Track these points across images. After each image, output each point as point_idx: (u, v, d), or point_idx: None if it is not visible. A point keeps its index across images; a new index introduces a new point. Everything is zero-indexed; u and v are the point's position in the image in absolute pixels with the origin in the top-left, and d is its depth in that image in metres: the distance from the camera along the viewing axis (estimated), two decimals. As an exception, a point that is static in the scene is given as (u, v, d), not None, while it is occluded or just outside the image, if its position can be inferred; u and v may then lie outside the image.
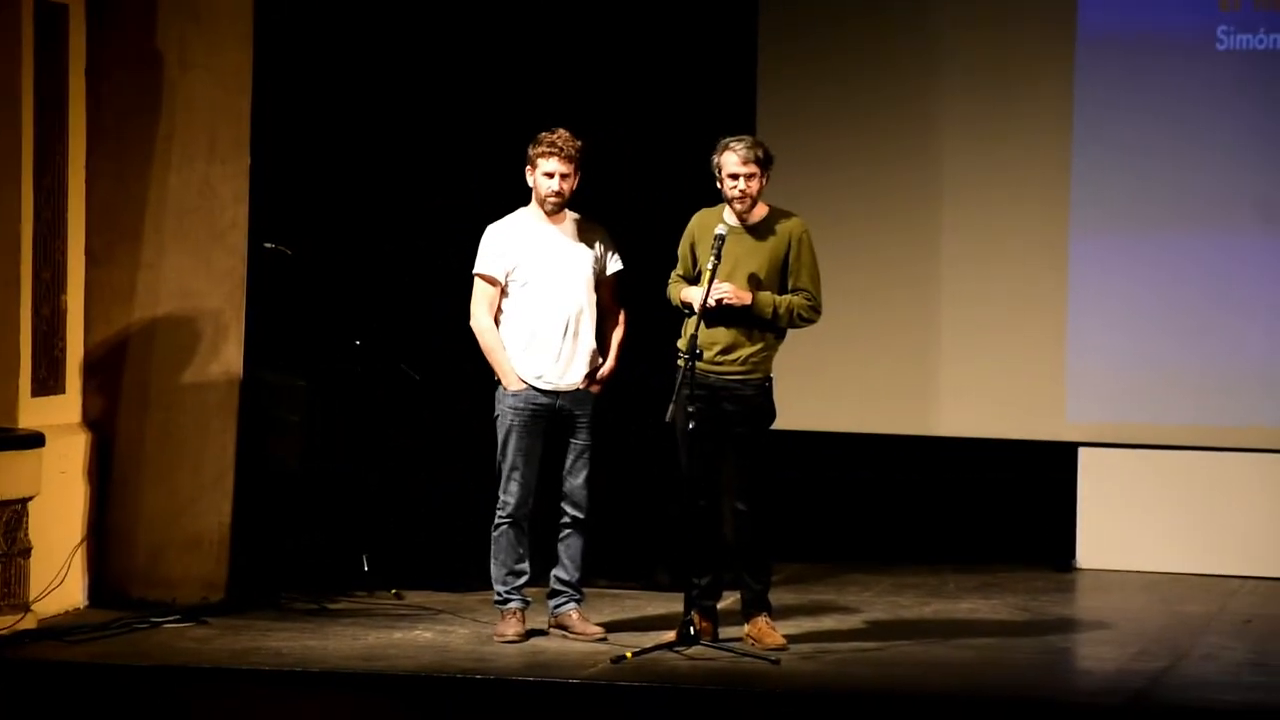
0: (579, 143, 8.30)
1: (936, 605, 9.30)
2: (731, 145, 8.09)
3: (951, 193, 10.29)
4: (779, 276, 8.14)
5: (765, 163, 8.10)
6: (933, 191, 10.31)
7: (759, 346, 8.15)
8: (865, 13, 10.31)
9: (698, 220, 8.27)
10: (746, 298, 8.06)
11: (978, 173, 10.26)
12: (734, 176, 8.07)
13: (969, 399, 10.29)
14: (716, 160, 8.11)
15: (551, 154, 8.25)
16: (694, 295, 8.09)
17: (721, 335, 8.11)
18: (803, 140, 10.20)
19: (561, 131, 8.30)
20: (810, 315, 8.17)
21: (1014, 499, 10.36)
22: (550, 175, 8.27)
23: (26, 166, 8.69)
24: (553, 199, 8.30)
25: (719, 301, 8.03)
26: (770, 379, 8.22)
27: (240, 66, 9.09)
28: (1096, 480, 10.25)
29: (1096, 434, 10.22)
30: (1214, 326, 10.07)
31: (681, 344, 8.11)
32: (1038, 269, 10.23)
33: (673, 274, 8.31)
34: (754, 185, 8.09)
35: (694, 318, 8.03)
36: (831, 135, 10.33)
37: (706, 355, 8.08)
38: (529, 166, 8.33)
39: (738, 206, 8.11)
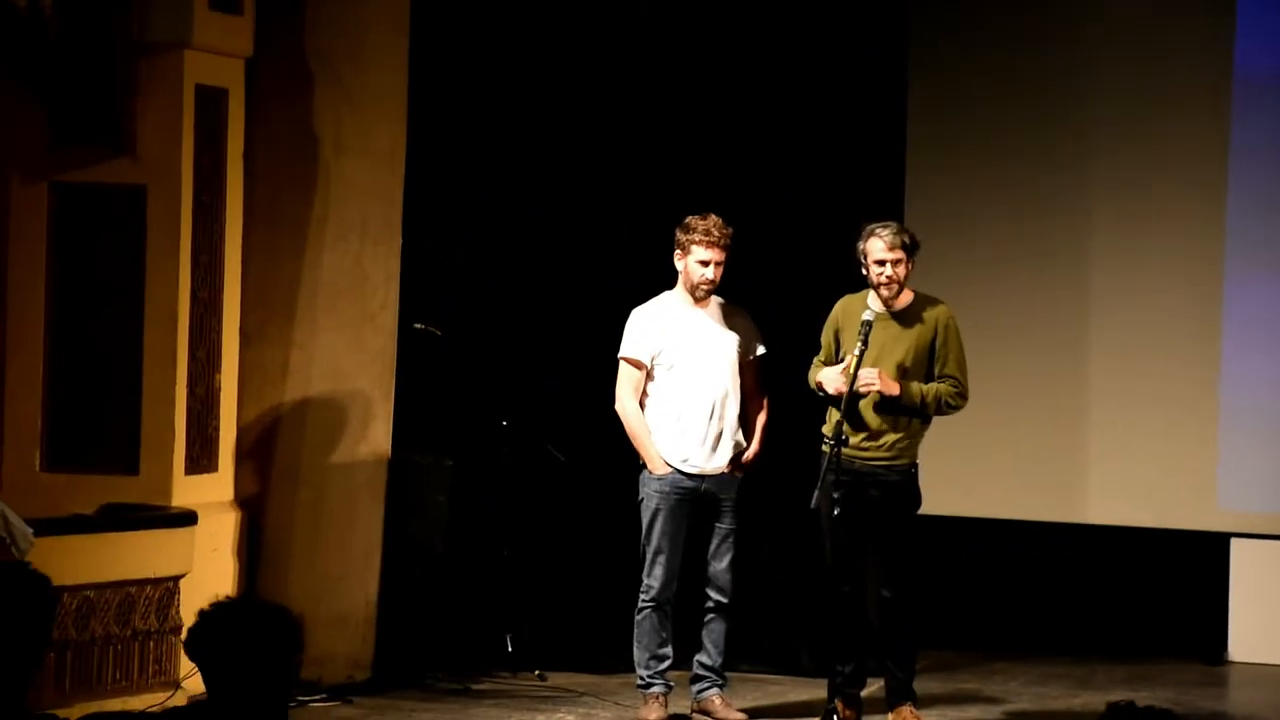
0: (730, 230, 8.31)
1: (1085, 697, 9.17)
2: (878, 231, 8.09)
3: (1100, 277, 10.20)
4: (925, 363, 8.11)
5: (911, 249, 8.09)
6: (1080, 275, 10.22)
7: (905, 432, 8.12)
8: (1016, 94, 10.24)
9: (842, 306, 8.26)
10: (895, 388, 8.02)
11: (1127, 256, 10.15)
12: (880, 262, 8.06)
13: (1118, 485, 10.16)
14: (862, 247, 8.11)
15: (706, 242, 8.26)
16: (826, 376, 8.06)
17: (868, 421, 8.08)
18: (951, 227, 10.15)
19: (713, 218, 8.30)
20: (957, 402, 8.13)
21: (1164, 588, 10.20)
22: (705, 264, 8.28)
23: (185, 245, 8.82)
24: (705, 286, 8.32)
25: (866, 390, 8.00)
26: (916, 465, 8.18)
27: (394, 148, 9.20)
28: (1249, 571, 10.06)
29: (1249, 524, 10.05)
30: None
31: (827, 429, 8.09)
32: (1190, 352, 10.09)
33: (815, 360, 8.29)
34: (900, 271, 8.07)
35: (839, 403, 7.99)
36: (979, 221, 10.28)
37: (852, 441, 8.04)
38: (679, 250, 8.34)
39: (884, 293, 8.09)
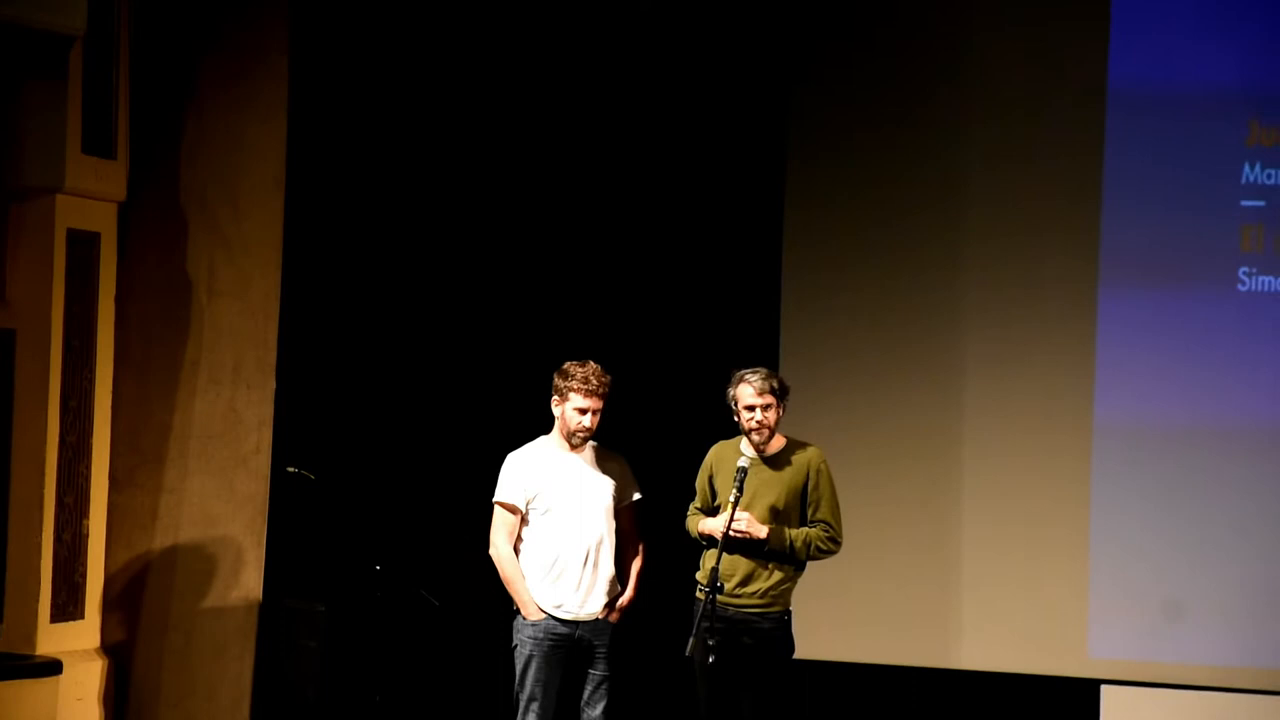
0: (609, 377, 8.33)
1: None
2: (746, 377, 8.14)
3: (973, 424, 10.26)
4: (799, 507, 8.15)
5: (781, 393, 8.14)
6: (954, 421, 10.28)
7: (778, 579, 8.13)
8: (890, 248, 10.33)
9: (715, 452, 8.30)
10: (762, 532, 8.06)
11: (999, 401, 10.23)
12: (750, 408, 8.10)
13: (990, 632, 10.19)
14: (732, 393, 8.16)
15: (584, 391, 8.28)
16: (714, 526, 8.09)
17: (741, 567, 8.10)
18: (825, 372, 10.21)
19: (592, 365, 8.32)
20: (828, 547, 8.16)
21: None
22: (583, 411, 8.29)
23: (54, 390, 8.77)
24: (581, 434, 8.33)
25: (737, 533, 8.03)
26: (789, 612, 8.19)
27: (268, 293, 9.20)
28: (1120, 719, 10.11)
29: (1120, 671, 10.10)
30: (1249, 560, 9.94)
31: (701, 576, 8.09)
32: (1060, 499, 10.17)
33: (691, 506, 8.32)
34: (770, 416, 8.12)
35: (714, 549, 8.02)
36: (854, 366, 10.34)
37: (726, 587, 8.06)
38: (557, 396, 8.34)
39: (755, 438, 8.14)
